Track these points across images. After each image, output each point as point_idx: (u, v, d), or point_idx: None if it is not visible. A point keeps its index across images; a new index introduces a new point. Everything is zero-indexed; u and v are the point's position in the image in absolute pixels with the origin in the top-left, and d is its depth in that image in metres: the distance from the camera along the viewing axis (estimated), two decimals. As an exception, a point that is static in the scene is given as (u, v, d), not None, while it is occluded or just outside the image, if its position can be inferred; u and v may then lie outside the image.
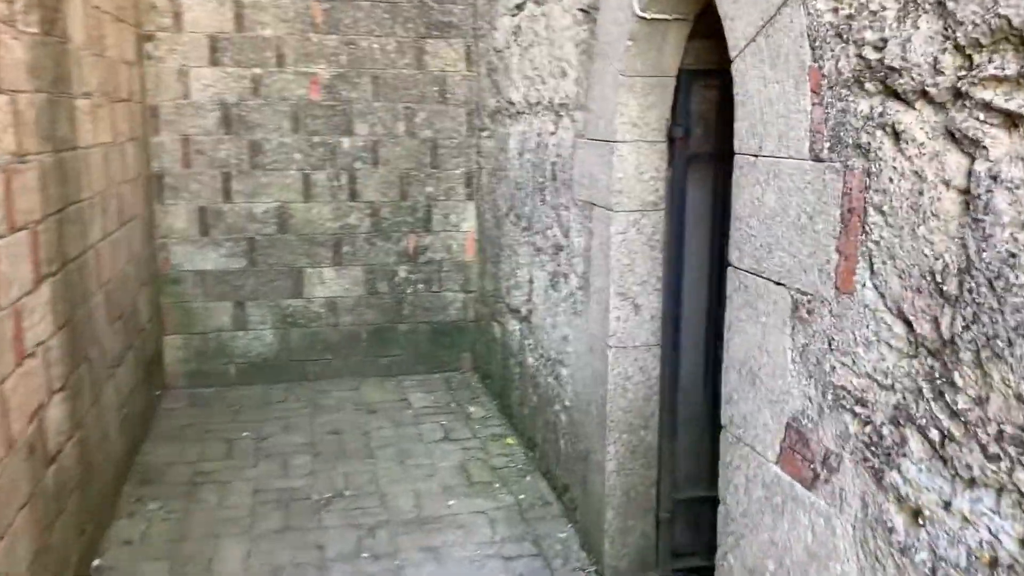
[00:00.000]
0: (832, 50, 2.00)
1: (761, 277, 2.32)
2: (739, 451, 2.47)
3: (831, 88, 2.01)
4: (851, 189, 1.94)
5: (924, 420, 1.74)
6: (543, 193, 4.47)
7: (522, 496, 4.39)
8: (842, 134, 1.97)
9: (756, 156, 2.33)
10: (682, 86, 3.38)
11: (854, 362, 1.96)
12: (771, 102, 2.25)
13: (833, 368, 2.04)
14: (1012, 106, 1.50)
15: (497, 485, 4.53)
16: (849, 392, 1.98)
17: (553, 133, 4.27)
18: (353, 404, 5.75)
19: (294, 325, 6.11)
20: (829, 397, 2.05)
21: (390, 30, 5.97)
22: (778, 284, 2.24)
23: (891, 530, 1.83)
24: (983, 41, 1.55)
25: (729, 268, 2.51)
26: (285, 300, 6.07)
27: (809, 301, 2.11)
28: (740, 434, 2.46)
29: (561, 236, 4.17)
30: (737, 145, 2.44)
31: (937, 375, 1.70)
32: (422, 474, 4.66)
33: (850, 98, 1.94)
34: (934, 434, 1.71)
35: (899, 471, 1.81)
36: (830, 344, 2.04)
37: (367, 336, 6.23)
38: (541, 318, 4.56)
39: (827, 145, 2.02)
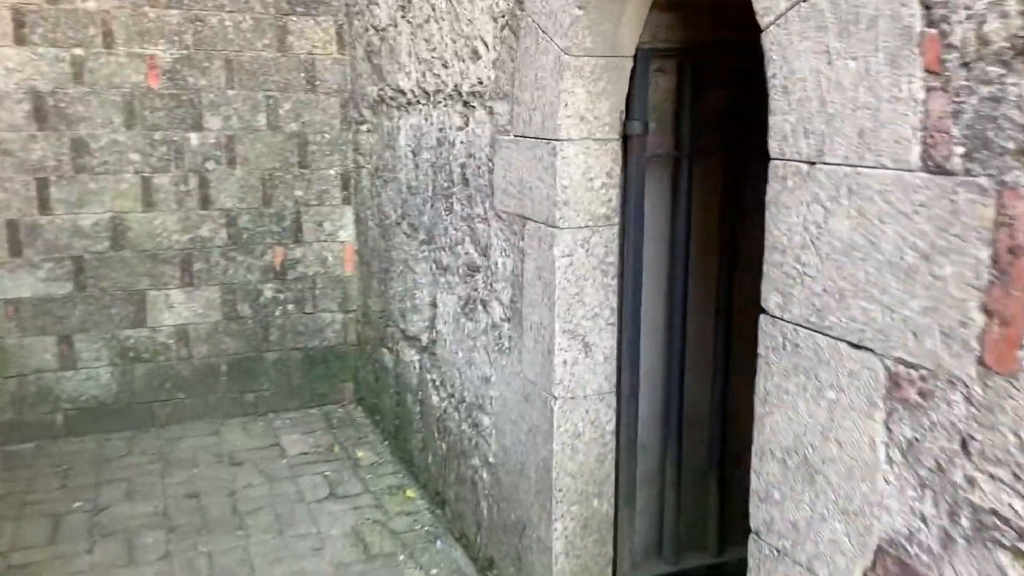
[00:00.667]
0: (968, 8, 1.33)
1: (826, 335, 1.64)
2: (784, 570, 1.79)
3: (966, 65, 1.34)
4: (1013, 218, 1.28)
5: None
6: (449, 201, 3.68)
7: (434, 571, 3.60)
8: (991, 134, 1.30)
9: (812, 164, 1.65)
10: (639, 69, 2.68)
11: (1018, 477, 1.30)
12: (842, 87, 1.56)
13: (972, 481, 1.38)
14: None
15: (402, 557, 3.72)
16: (1008, 521, 1.32)
17: (462, 128, 3.49)
18: (214, 454, 4.77)
19: (137, 360, 5.05)
20: (964, 522, 1.39)
21: (245, 5, 5.00)
22: (859, 348, 1.56)
23: None
24: None
25: (763, 318, 1.82)
26: (124, 331, 5.00)
27: (923, 378, 1.44)
28: (785, 547, 1.79)
29: (477, 254, 3.40)
30: (775, 147, 1.75)
31: None
32: (307, 548, 3.79)
33: (1008, 79, 1.28)
34: None
35: None
36: (965, 445, 1.38)
37: (227, 369, 5.25)
38: (450, 351, 3.78)
39: (959, 151, 1.35)
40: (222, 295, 5.16)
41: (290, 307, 5.33)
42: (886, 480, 1.53)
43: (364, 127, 4.99)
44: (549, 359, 2.80)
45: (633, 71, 2.67)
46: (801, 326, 1.70)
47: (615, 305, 2.81)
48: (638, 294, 2.79)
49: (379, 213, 4.80)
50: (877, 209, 1.51)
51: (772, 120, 1.75)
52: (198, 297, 5.12)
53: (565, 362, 2.78)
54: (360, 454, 4.78)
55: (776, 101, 1.73)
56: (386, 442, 4.88)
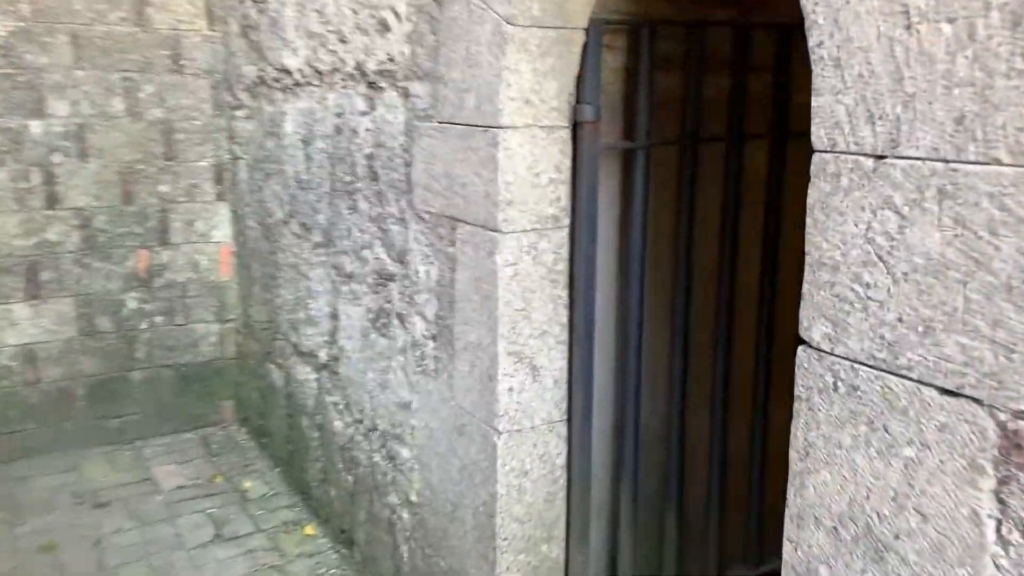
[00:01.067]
0: None
1: (901, 377, 1.29)
2: (836, 663, 1.44)
3: None
4: None
5: None
6: (352, 198, 3.18)
7: (348, 626, 3.13)
8: None
9: (881, 158, 1.29)
10: (590, 45, 2.28)
11: None
12: (929, 58, 1.21)
13: None
14: None
15: (308, 611, 3.22)
16: None
17: (367, 113, 3.00)
18: (73, 494, 4.09)
19: (-28, 387, 4.30)
20: (1126, 628, 1.07)
21: (94, -30, 4.30)
22: (955, 395, 1.22)
23: None
24: None
25: (803, 352, 1.45)
26: (-45, 354, 4.24)
27: (1061, 439, 1.11)
28: (838, 636, 1.43)
29: (391, 261, 2.93)
30: (822, 136, 1.38)
31: None
32: (193, 607, 3.23)
33: None
34: None
35: None
36: None
37: (86, 392, 4.55)
38: (357, 371, 3.29)
39: (1126, 141, 1.02)
40: (76, 308, 4.46)
41: (158, 319, 4.67)
42: (997, 566, 1.19)
43: (240, 112, 4.39)
44: (490, 386, 2.37)
45: (585, 45, 2.26)
46: (862, 364, 1.35)
47: (565, 320, 2.41)
48: (591, 307, 2.40)
49: (261, 210, 4.23)
50: (986, 217, 1.16)
51: (817, 102, 1.38)
52: (47, 311, 4.39)
53: (511, 389, 2.36)
54: (248, 485, 4.21)
55: (824, 78, 1.36)
56: (277, 469, 4.33)
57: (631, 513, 2.64)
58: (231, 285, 4.79)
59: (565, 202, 2.34)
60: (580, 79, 2.28)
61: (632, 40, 2.44)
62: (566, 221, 2.35)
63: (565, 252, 2.37)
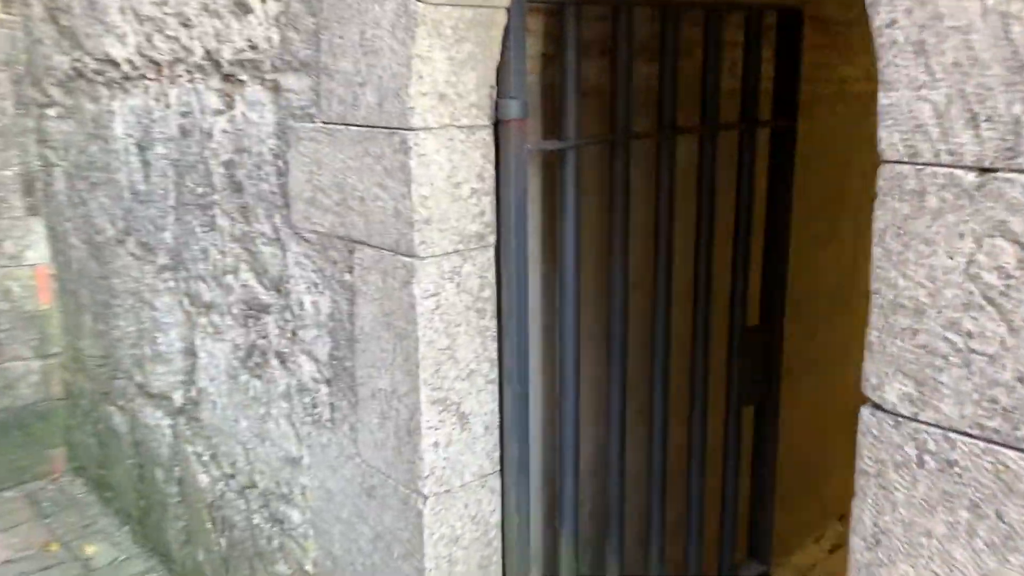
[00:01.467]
0: None
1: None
2: None
3: None
4: None
5: None
6: (208, 213, 2.65)
7: None
8: None
9: (989, 171, 0.99)
10: (513, 27, 1.90)
11: None
12: (1066, 42, 0.92)
13: None
14: None
15: None
16: None
17: (223, 111, 2.48)
18: None
19: None
20: None
21: None
22: (1109, 478, 0.95)
23: None
24: None
25: (871, 415, 1.15)
26: None
27: None
28: None
29: (263, 288, 2.44)
30: (895, 143, 1.07)
31: None
32: None
33: None
34: None
35: None
36: None
37: None
38: (224, 418, 2.77)
39: None
40: None
41: (-38, 359, 3.91)
42: None
43: (53, 111, 3.70)
44: (411, 442, 1.97)
45: (505, 30, 1.89)
46: (963, 433, 1.06)
47: (495, 355, 2.03)
48: (524, 337, 2.03)
49: (87, 226, 3.57)
50: None
51: (888, 99, 1.07)
52: None
53: (436, 444, 1.96)
54: (91, 550, 3.56)
55: (898, 67, 1.05)
56: (126, 527, 3.70)
57: (572, 561, 2.31)
58: (53, 314, 4.08)
59: (490, 216, 1.96)
60: (502, 69, 1.90)
61: (552, 22, 2.08)
62: (491, 239, 1.97)
63: (492, 275, 1.99)
